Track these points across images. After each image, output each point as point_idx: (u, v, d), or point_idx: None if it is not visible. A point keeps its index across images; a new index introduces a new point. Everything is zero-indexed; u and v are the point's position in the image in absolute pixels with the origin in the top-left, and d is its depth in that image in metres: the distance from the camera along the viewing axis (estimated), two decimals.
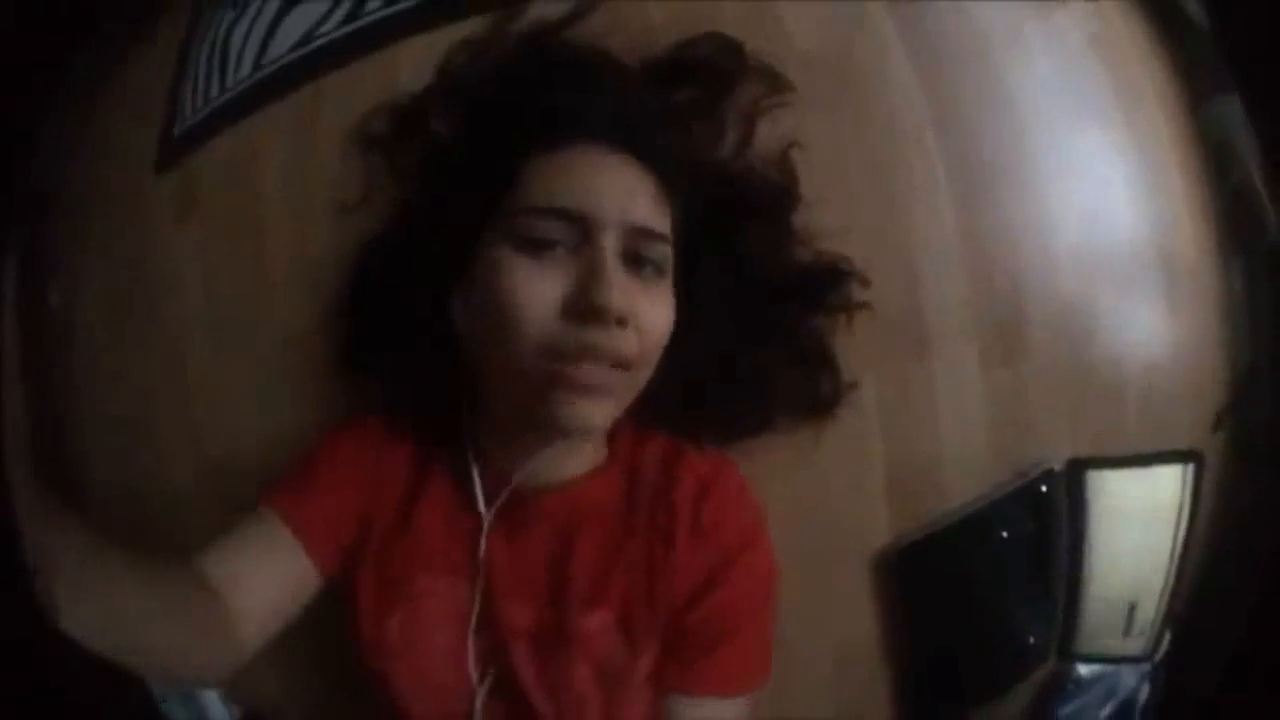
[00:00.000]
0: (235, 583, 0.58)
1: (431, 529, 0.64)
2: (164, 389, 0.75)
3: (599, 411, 0.58)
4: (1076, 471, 0.68)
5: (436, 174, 0.69)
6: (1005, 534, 0.68)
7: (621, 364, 0.57)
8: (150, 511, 0.76)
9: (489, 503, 0.63)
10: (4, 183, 0.64)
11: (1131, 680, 0.69)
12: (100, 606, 0.50)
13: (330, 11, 0.71)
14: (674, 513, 0.62)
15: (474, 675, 0.61)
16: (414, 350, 0.66)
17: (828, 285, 0.67)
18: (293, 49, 0.72)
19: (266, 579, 0.60)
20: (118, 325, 0.75)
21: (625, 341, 0.56)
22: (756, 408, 0.68)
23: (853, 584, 0.70)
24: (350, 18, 0.71)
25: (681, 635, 0.61)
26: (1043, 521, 0.68)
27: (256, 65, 0.72)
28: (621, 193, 0.58)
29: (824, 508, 0.70)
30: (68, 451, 0.76)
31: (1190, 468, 0.68)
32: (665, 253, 0.60)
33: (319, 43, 0.71)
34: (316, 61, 0.72)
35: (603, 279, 0.55)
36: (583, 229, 0.57)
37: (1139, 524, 0.68)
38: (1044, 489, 0.68)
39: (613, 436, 0.66)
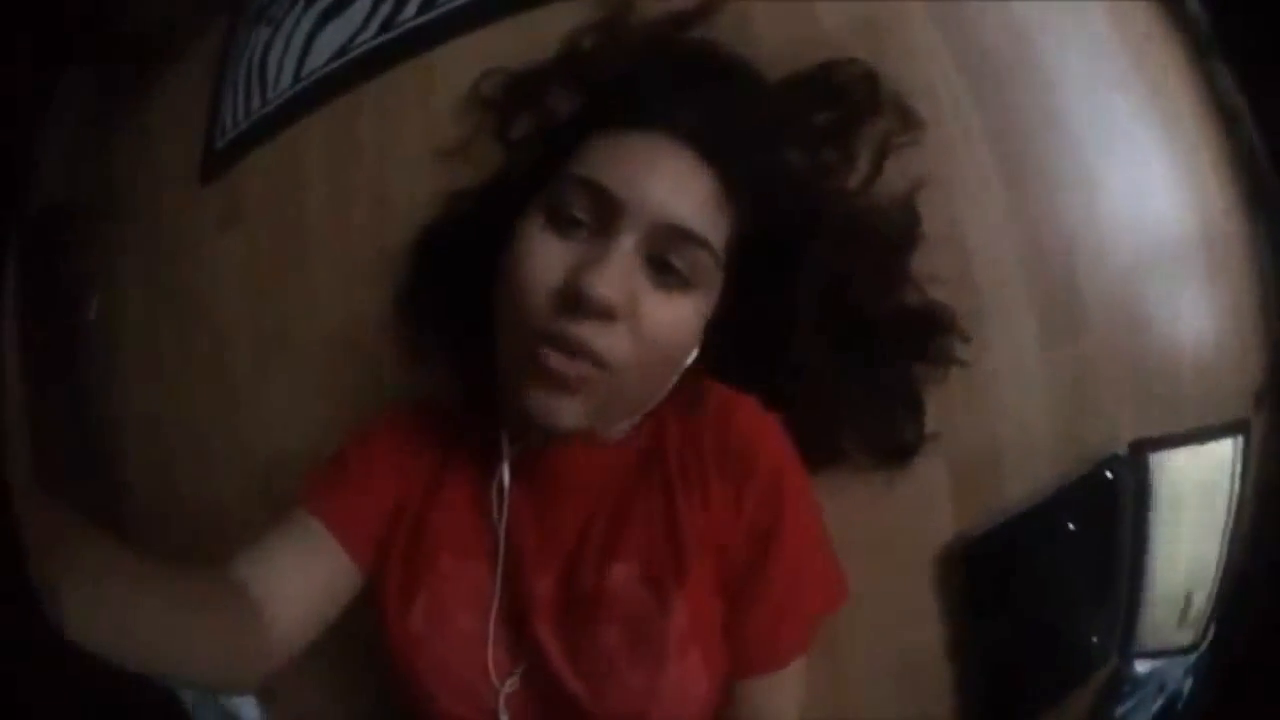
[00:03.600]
0: (272, 585, 0.57)
1: (454, 510, 0.62)
2: (208, 396, 0.76)
3: (566, 409, 0.53)
4: (1140, 454, 0.64)
5: (532, 145, 0.68)
6: (1072, 525, 0.65)
7: (588, 356, 0.52)
8: (193, 519, 0.76)
9: (512, 472, 0.60)
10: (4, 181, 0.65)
11: (1179, 672, 0.65)
12: (112, 615, 0.48)
13: (366, 22, 0.73)
14: (699, 451, 0.59)
15: (491, 663, 0.59)
16: (464, 312, 0.64)
17: (931, 334, 0.64)
18: (330, 60, 0.74)
19: (305, 580, 0.58)
20: (162, 335, 0.76)
21: (610, 338, 0.52)
22: (837, 445, 0.65)
23: (916, 586, 0.66)
24: (385, 27, 0.73)
25: (751, 587, 0.58)
26: (1109, 510, 0.64)
27: (296, 78, 0.74)
28: (665, 186, 0.54)
29: (884, 507, 0.66)
30: (107, 461, 0.77)
31: (1241, 439, 0.64)
32: (701, 261, 0.55)
33: (356, 53, 0.73)
34: (355, 71, 0.73)
35: (598, 266, 0.52)
36: (609, 211, 0.54)
37: (1197, 504, 0.64)
38: (1109, 475, 0.64)
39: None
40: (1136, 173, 0.68)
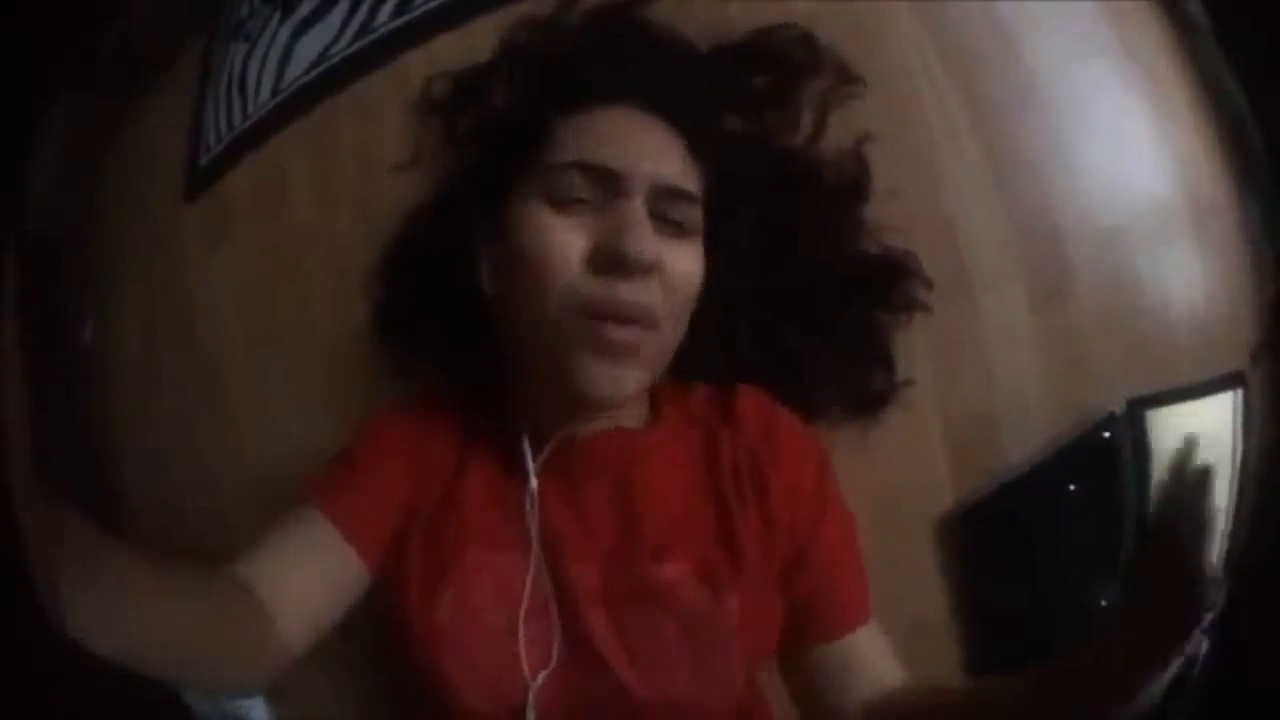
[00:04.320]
0: (279, 583, 0.56)
1: (476, 503, 0.62)
2: (204, 411, 0.76)
3: (628, 376, 0.55)
4: (1137, 412, 0.64)
5: (484, 141, 0.69)
6: (1072, 486, 0.65)
7: (649, 320, 0.55)
8: (193, 533, 0.76)
9: (535, 465, 0.60)
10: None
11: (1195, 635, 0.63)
12: (114, 612, 0.47)
13: (342, 30, 0.73)
14: (752, 451, 0.61)
15: (524, 656, 0.58)
16: (449, 317, 0.66)
17: (891, 281, 0.66)
18: (309, 69, 0.74)
19: (312, 578, 0.58)
20: (157, 353, 0.77)
21: (651, 293, 0.55)
22: (811, 398, 0.66)
23: (919, 554, 0.67)
24: (361, 33, 0.73)
25: (803, 579, 0.60)
26: (1109, 470, 0.64)
27: (275, 89, 0.74)
28: (651, 151, 0.57)
29: (884, 476, 0.67)
30: (107, 482, 0.77)
31: (1240, 392, 0.65)
32: (694, 214, 0.58)
33: (334, 61, 0.74)
34: (333, 79, 0.74)
35: (633, 227, 0.54)
36: (611, 184, 0.56)
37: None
38: (1107, 434, 0.64)
39: (653, 389, 0.64)
40: (1119, 139, 0.69)
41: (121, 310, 0.78)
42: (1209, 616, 0.62)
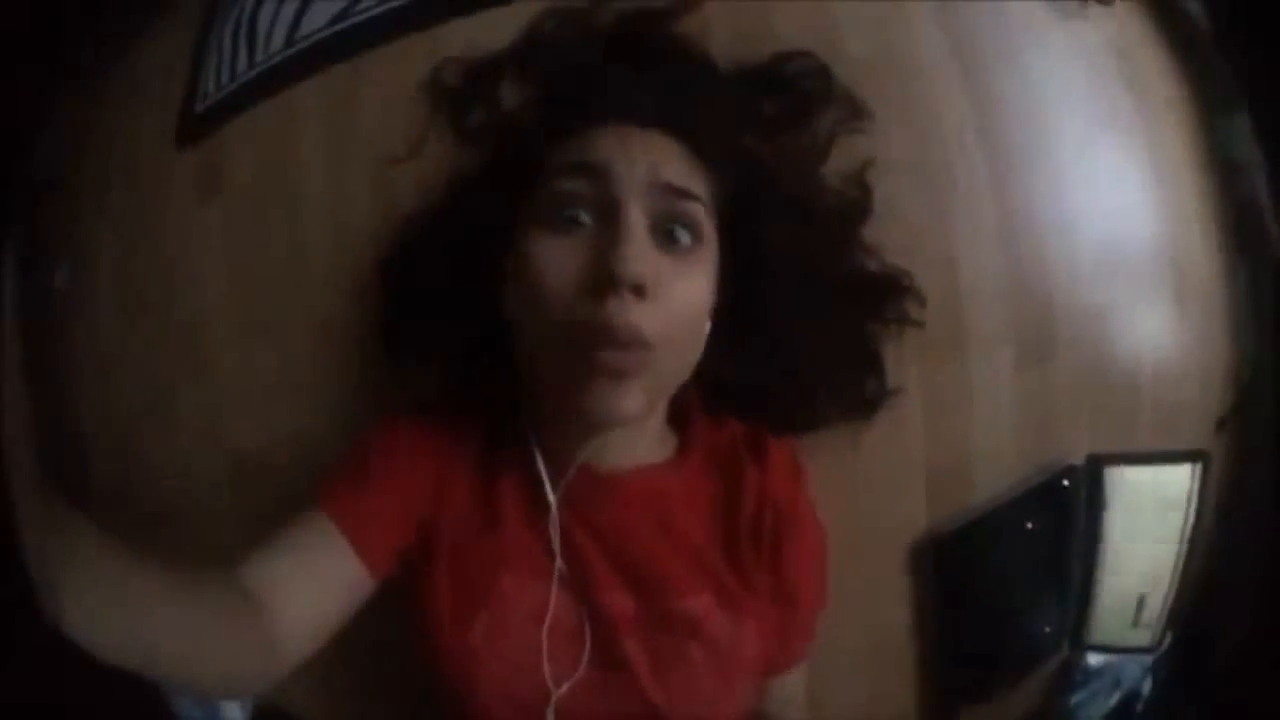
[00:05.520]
0: (281, 588, 0.55)
1: (509, 528, 0.62)
2: (182, 381, 0.71)
3: (625, 398, 0.56)
4: (1096, 467, 0.71)
5: (492, 143, 0.68)
6: (1030, 525, 0.72)
7: (638, 341, 0.54)
8: (158, 502, 0.71)
9: (554, 488, 0.62)
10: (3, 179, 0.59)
11: (1136, 672, 0.73)
12: (112, 609, 0.46)
13: None
14: (776, 511, 0.64)
15: (548, 673, 0.60)
16: (467, 342, 0.66)
17: (888, 296, 0.69)
18: (331, 23, 0.68)
19: (316, 584, 0.57)
20: (131, 310, 0.71)
21: (643, 315, 0.54)
22: (809, 403, 0.69)
23: (889, 572, 0.72)
24: None
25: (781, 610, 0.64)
26: (1064, 514, 0.71)
27: (289, 41, 0.68)
28: (649, 156, 0.57)
29: (866, 500, 0.72)
30: (71, 449, 0.71)
31: (1199, 466, 0.72)
32: (699, 213, 0.58)
33: (360, 18, 0.68)
34: (357, 38, 0.68)
35: (621, 244, 0.54)
36: (605, 189, 0.56)
37: (1151, 518, 0.72)
38: (1066, 483, 0.71)
39: (686, 422, 0.66)
40: (1116, 201, 0.73)
41: (94, 258, 0.71)
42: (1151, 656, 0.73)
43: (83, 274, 0.70)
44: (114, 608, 0.46)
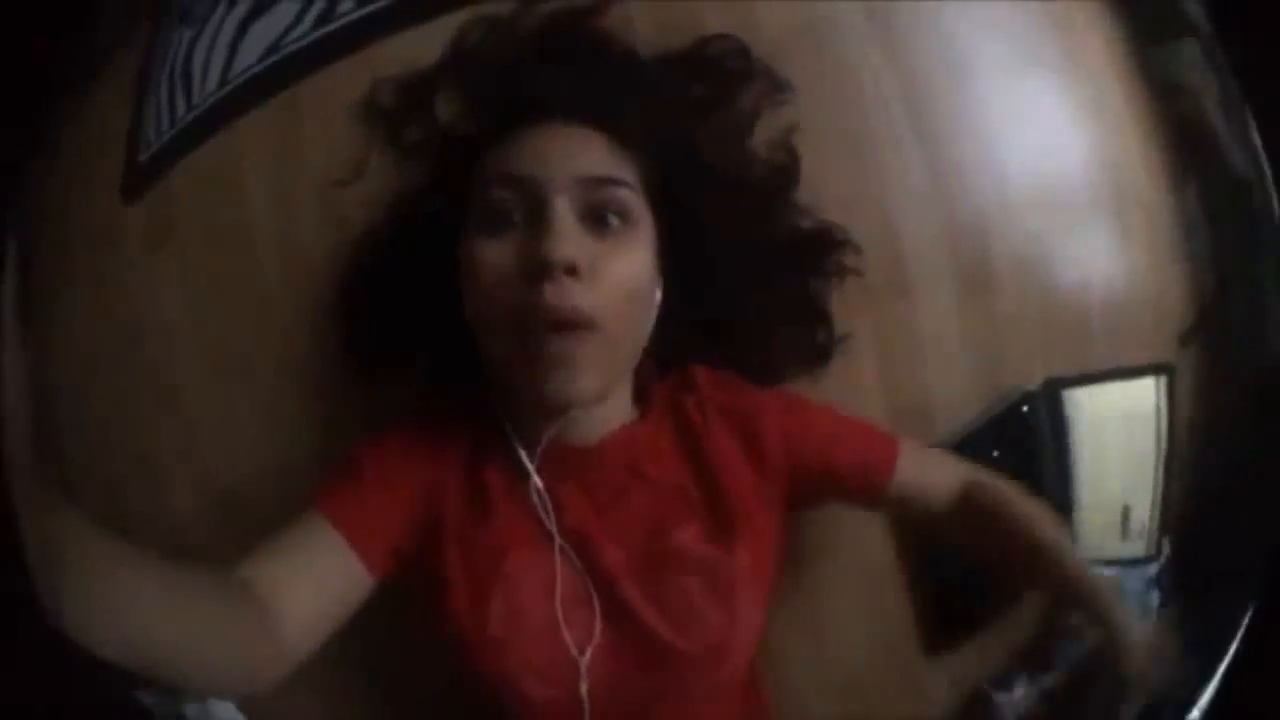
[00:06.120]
0: (280, 588, 0.57)
1: (504, 509, 0.65)
2: (160, 425, 0.71)
3: (579, 383, 0.59)
4: (1053, 390, 0.75)
5: (431, 156, 0.70)
6: (996, 453, 0.75)
7: (581, 321, 0.58)
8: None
9: (538, 468, 0.65)
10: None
11: (1138, 584, 0.75)
12: (114, 612, 0.47)
13: (300, 17, 0.68)
14: (727, 411, 0.68)
15: (569, 641, 0.63)
16: (436, 351, 0.69)
17: (825, 250, 0.72)
18: (262, 58, 0.69)
19: (315, 582, 0.59)
20: (102, 366, 0.71)
21: (582, 295, 0.57)
22: (764, 358, 0.73)
23: (867, 517, 0.75)
24: (323, 20, 0.68)
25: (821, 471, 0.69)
26: (1029, 438, 0.75)
27: (223, 80, 0.68)
28: (568, 151, 0.60)
29: None
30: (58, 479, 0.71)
31: (1163, 379, 0.75)
32: (627, 198, 0.61)
33: (291, 49, 0.69)
34: (290, 68, 0.69)
35: (547, 231, 0.57)
36: (532, 193, 0.59)
37: (1120, 432, 0.75)
38: (1025, 409, 0.75)
39: (645, 384, 0.69)
40: (1044, 135, 0.76)
41: (63, 320, 0.70)
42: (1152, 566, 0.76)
43: (48, 340, 0.70)
44: (114, 607, 0.47)
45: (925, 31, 0.75)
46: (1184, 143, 0.77)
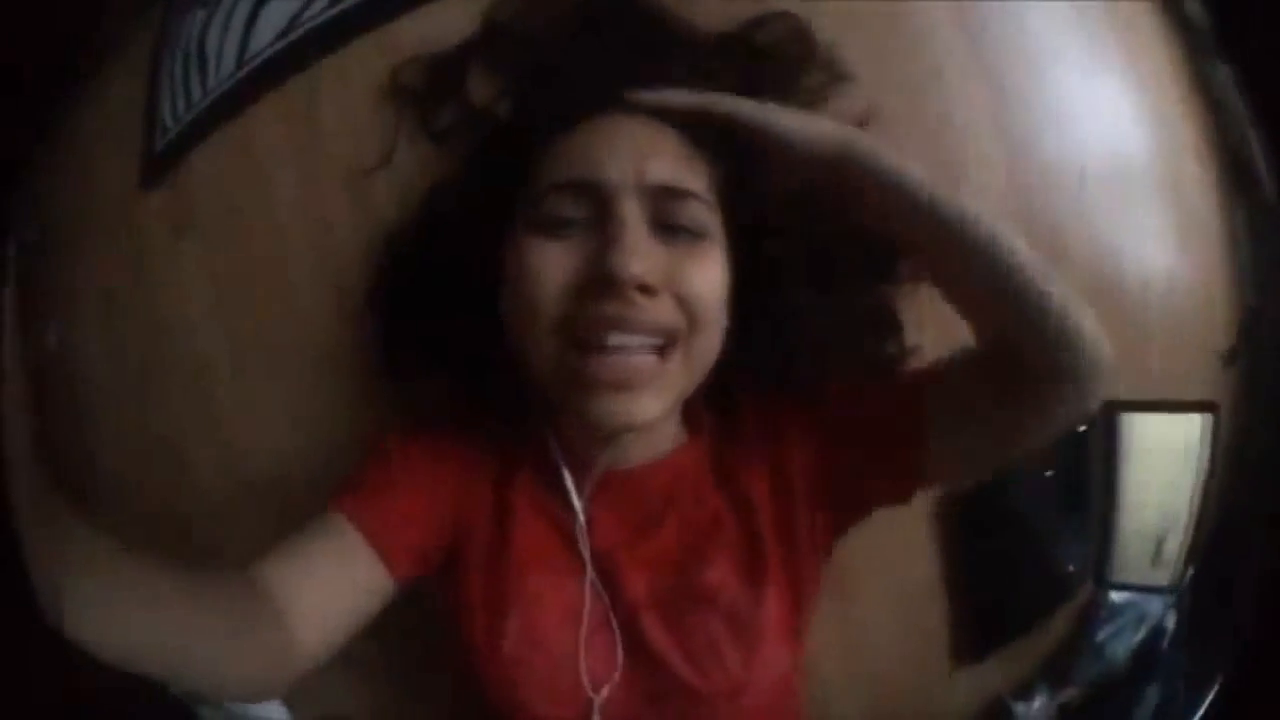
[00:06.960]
0: (298, 590, 0.56)
1: (533, 528, 0.63)
2: (186, 416, 0.70)
3: (640, 405, 0.55)
4: (1111, 414, 0.70)
5: (468, 143, 0.65)
6: (1049, 472, 0.72)
7: (649, 341, 0.54)
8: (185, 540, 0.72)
9: (580, 493, 0.62)
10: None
11: (1158, 609, 0.74)
12: (115, 614, 0.47)
13: None
14: (774, 443, 0.64)
15: (585, 673, 0.61)
16: (471, 351, 0.64)
17: (895, 256, 0.66)
18: (277, 38, 0.65)
19: (334, 585, 0.58)
20: (129, 357, 0.70)
21: (649, 311, 0.53)
22: (828, 371, 0.68)
23: (914, 527, 0.72)
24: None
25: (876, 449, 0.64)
26: (1081, 460, 0.71)
27: (239, 62, 0.65)
28: (637, 154, 0.55)
29: None
30: (81, 478, 0.71)
31: (1210, 416, 0.72)
32: (701, 212, 0.57)
33: (306, 28, 0.65)
34: (306, 48, 0.65)
35: (619, 244, 0.52)
36: (599, 198, 0.54)
37: (1166, 463, 0.72)
38: (1082, 429, 0.71)
39: (693, 407, 0.65)
40: (1112, 134, 0.70)
41: (85, 313, 0.70)
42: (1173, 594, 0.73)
43: (71, 331, 0.70)
44: (115, 610, 0.47)
45: (1006, 22, 0.68)
46: (1235, 165, 0.71)
